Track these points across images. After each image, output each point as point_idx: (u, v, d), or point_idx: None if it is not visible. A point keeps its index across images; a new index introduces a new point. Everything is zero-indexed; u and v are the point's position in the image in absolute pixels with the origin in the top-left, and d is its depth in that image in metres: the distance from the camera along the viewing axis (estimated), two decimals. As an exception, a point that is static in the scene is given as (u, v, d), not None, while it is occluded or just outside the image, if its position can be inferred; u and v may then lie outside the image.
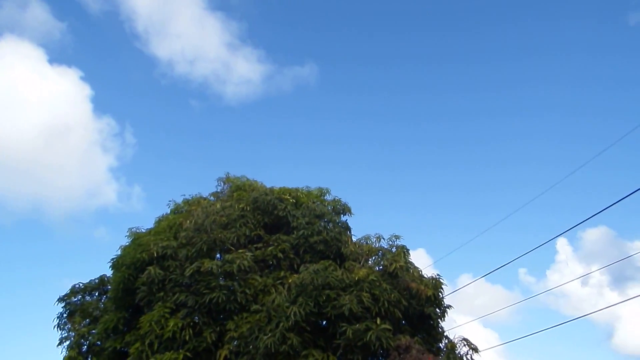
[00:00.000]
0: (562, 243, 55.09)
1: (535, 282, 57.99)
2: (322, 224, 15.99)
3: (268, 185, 17.56)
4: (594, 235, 56.59)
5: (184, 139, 72.32)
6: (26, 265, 54.67)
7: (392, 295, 13.69)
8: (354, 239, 16.72)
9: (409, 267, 15.22)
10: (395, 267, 14.66)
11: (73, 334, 15.81)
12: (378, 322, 12.84)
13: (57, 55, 70.89)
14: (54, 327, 16.45)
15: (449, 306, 15.50)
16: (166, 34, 67.13)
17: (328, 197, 18.00)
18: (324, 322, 13.97)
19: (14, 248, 55.30)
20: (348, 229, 17.17)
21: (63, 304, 16.60)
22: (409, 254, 15.75)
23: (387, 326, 12.79)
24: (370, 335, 12.54)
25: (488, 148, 64.69)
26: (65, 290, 16.95)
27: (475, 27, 66.23)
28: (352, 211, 17.54)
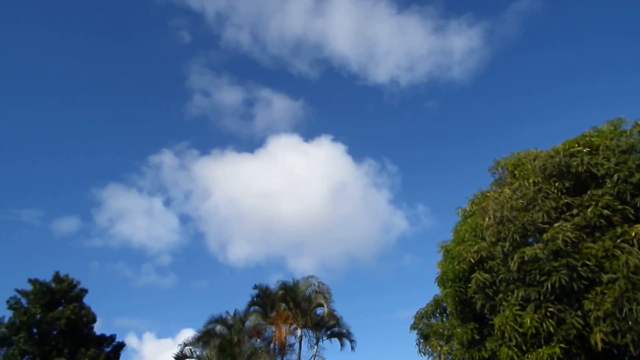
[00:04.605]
0: None
1: None
2: (637, 156, 13.25)
3: (545, 148, 15.72)
4: None
5: (435, 143, 72.97)
6: (362, 309, 63.54)
7: None
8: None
9: None
10: None
11: (437, 354, 17.05)
12: None
13: (307, 131, 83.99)
14: (418, 352, 18.15)
15: None
16: (377, 60, 71.05)
17: (626, 126, 14.89)
18: None
19: (348, 297, 65.19)
20: (675, 147, 13.68)
21: (415, 331, 18.23)
22: None
23: None
24: None
25: None
26: (406, 319, 18.68)
27: None
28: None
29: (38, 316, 26.27)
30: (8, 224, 68.93)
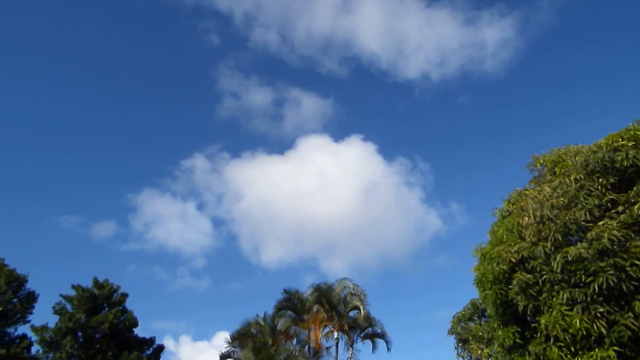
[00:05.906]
0: None
1: None
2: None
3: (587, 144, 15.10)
4: None
5: (468, 140, 70.73)
6: (397, 311, 62.78)
7: None
8: None
9: None
10: None
11: (477, 358, 16.65)
12: None
13: (337, 130, 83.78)
14: (456, 356, 17.78)
15: None
16: (407, 55, 69.60)
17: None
18: None
19: (382, 298, 64.58)
20: None
21: (453, 335, 17.86)
22: None
23: None
24: None
25: None
26: (442, 320, 18.34)
27: None
28: None
29: (82, 320, 27.22)
30: (50, 230, 71.93)
